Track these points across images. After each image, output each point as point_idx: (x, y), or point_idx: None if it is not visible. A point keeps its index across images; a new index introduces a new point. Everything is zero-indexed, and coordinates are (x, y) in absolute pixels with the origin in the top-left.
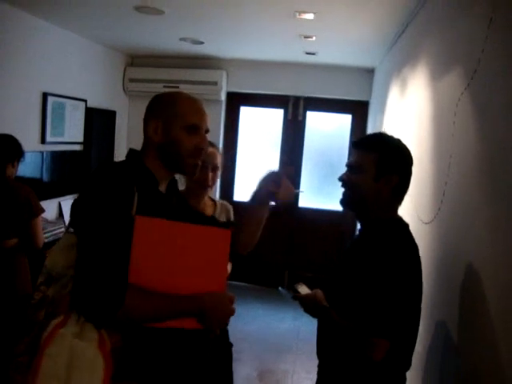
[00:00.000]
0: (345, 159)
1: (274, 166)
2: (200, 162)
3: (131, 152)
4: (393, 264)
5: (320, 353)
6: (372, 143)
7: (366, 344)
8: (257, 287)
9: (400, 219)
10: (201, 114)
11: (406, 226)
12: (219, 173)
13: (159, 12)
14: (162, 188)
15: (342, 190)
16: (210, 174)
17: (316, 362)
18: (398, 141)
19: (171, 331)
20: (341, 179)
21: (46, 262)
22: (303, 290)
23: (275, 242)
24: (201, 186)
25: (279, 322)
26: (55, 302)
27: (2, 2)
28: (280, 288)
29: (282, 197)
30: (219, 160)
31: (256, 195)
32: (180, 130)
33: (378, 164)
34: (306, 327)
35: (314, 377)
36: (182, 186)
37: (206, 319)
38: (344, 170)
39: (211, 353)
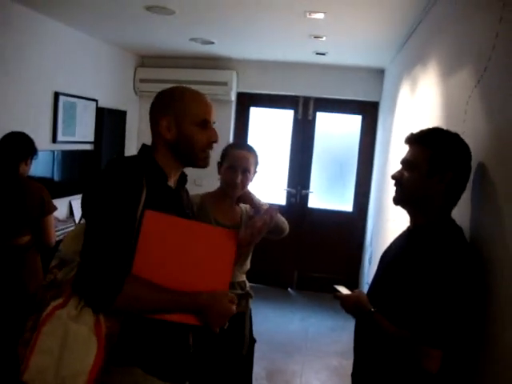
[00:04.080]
0: (354, 160)
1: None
2: (210, 154)
3: (143, 147)
4: (448, 270)
5: (358, 354)
6: (425, 139)
7: (418, 353)
8: (265, 287)
9: (453, 221)
10: (209, 107)
11: (460, 229)
12: (252, 176)
13: (170, 12)
14: (171, 183)
15: (395, 188)
16: (240, 177)
17: (324, 363)
18: (454, 136)
19: (172, 322)
20: (394, 177)
21: (60, 246)
22: (344, 290)
23: (284, 243)
24: (229, 186)
25: (288, 322)
26: (61, 285)
27: (15, 2)
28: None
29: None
30: (252, 164)
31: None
32: (192, 126)
33: (430, 160)
34: (315, 328)
35: (323, 377)
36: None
37: (204, 317)
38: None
39: (221, 344)
